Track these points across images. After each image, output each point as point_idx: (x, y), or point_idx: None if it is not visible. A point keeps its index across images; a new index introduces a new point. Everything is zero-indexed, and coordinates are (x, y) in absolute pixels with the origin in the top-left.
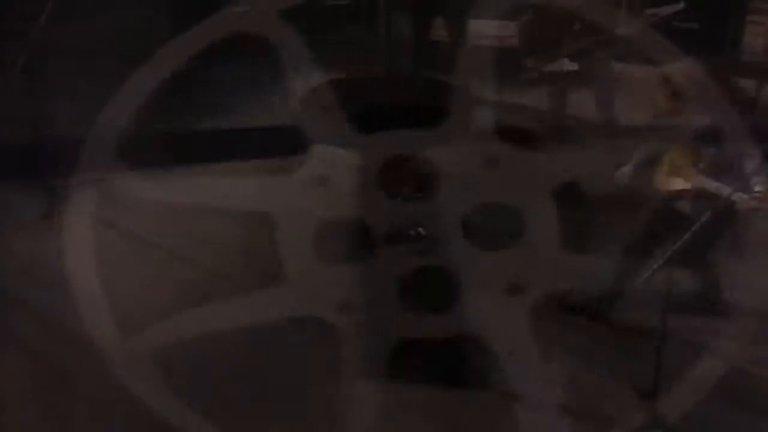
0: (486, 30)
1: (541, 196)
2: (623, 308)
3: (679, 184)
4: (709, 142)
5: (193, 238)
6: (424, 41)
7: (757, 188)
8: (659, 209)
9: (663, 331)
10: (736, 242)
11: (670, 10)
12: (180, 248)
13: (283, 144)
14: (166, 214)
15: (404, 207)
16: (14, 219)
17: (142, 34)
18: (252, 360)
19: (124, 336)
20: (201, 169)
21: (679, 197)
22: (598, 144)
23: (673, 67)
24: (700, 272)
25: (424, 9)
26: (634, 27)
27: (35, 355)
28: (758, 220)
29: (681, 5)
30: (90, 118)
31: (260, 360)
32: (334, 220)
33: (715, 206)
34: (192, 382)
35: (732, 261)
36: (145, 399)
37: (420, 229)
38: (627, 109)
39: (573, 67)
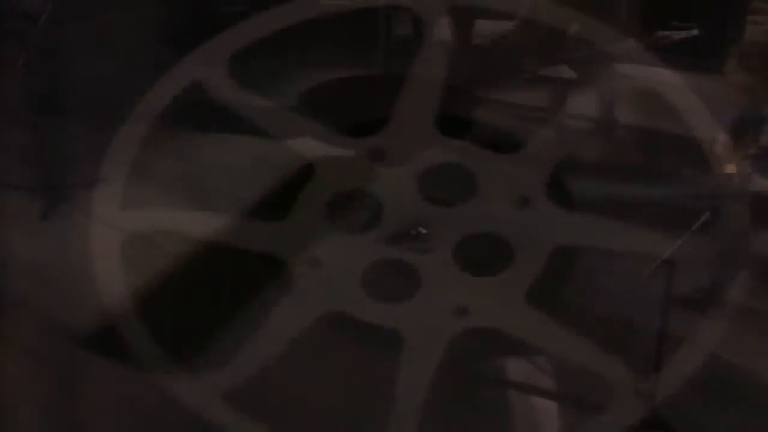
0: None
1: (539, 249)
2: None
3: (731, 167)
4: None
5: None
6: None
7: None
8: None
9: (663, 329)
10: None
11: (683, 35)
12: None
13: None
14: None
15: (427, 208)
16: (14, 219)
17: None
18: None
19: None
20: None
21: (731, 179)
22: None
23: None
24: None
25: None
26: (625, 44)
27: (35, 356)
28: None
29: (695, 31)
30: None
31: None
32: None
33: (714, 205)
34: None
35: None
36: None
37: (421, 229)
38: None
39: (571, 73)
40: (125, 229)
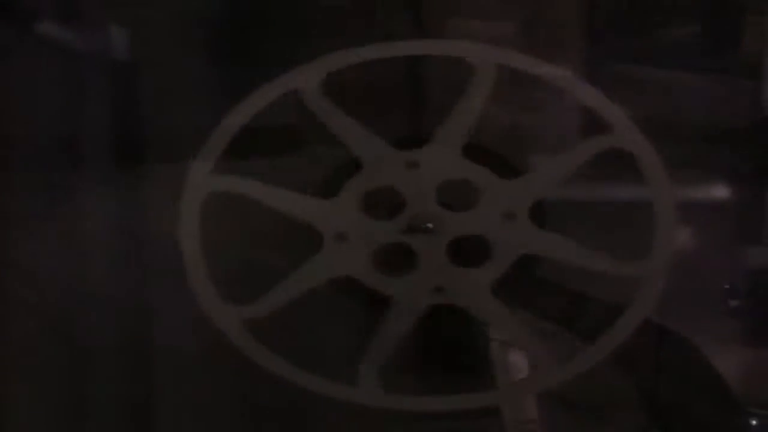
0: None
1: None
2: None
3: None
4: None
5: None
6: None
7: None
8: None
9: (660, 328)
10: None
11: (680, 35)
12: None
13: None
14: None
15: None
16: (14, 217)
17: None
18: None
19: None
20: None
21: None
22: None
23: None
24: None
25: None
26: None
27: (34, 356)
28: None
29: (691, 32)
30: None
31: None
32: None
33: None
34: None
35: None
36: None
37: (429, 224)
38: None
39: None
40: (208, 188)
